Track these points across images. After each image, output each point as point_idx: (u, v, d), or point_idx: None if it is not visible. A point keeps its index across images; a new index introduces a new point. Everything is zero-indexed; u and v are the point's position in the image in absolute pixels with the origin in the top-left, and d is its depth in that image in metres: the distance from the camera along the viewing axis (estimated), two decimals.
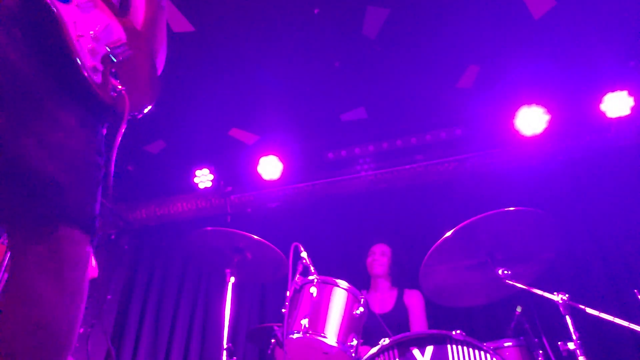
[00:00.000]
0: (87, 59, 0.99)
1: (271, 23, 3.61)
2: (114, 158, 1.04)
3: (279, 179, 4.60)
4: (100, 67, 1.02)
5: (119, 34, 1.12)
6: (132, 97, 1.11)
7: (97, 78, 1.01)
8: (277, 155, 4.57)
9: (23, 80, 0.98)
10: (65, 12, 0.97)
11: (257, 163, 4.57)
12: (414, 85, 4.08)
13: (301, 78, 4.06)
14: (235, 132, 4.54)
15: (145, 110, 1.19)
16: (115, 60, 1.05)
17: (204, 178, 4.70)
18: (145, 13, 1.36)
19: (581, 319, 2.11)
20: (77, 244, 1.04)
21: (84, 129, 1.05)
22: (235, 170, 4.75)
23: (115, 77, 1.06)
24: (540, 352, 2.41)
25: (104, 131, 1.13)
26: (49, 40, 0.98)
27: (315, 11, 3.53)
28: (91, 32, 1.02)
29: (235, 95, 4.15)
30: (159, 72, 1.43)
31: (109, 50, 1.05)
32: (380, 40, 3.71)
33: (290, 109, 4.33)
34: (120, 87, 1.05)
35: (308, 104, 4.31)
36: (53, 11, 0.95)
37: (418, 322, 3.39)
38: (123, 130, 1.04)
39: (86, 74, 0.98)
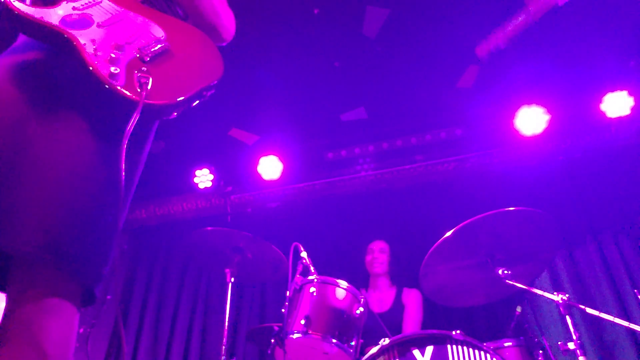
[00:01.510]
0: (104, 68, 1.07)
1: (271, 23, 3.60)
2: (123, 151, 1.05)
3: (279, 179, 4.59)
4: (120, 71, 1.09)
5: (153, 34, 1.20)
6: (177, 84, 1.15)
7: (118, 81, 1.07)
8: (277, 155, 4.57)
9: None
10: (83, 35, 1.11)
11: (257, 163, 4.57)
12: (414, 85, 4.08)
13: (301, 78, 4.06)
14: (235, 132, 4.54)
15: (197, 93, 1.18)
16: (145, 60, 1.13)
17: (204, 178, 4.69)
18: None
19: (581, 319, 2.12)
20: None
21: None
22: (235, 170, 4.75)
23: (147, 73, 1.11)
24: (540, 352, 2.41)
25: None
26: (69, 62, 1.10)
27: (315, 11, 3.53)
28: (113, 43, 1.13)
29: (235, 95, 4.15)
30: (227, 40, 1.51)
31: (137, 53, 1.14)
32: (380, 40, 3.71)
33: (290, 109, 4.33)
34: (144, 80, 1.09)
35: (308, 104, 4.31)
36: (67, 38, 1.09)
37: (411, 321, 3.37)
38: (134, 121, 1.05)
39: (104, 80, 1.06)
